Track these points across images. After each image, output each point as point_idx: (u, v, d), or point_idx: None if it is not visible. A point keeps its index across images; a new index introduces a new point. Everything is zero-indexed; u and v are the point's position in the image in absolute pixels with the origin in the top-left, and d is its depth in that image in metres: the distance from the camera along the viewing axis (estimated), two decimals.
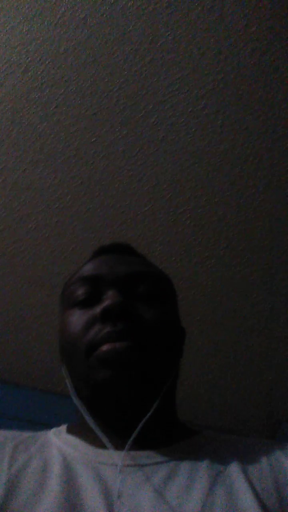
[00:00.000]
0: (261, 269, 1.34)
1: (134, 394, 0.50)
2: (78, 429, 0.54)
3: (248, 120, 1.17)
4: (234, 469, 0.49)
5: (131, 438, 0.48)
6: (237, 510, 0.43)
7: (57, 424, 0.59)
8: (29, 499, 0.44)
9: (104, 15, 1.08)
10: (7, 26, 1.09)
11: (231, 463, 0.50)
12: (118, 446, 0.49)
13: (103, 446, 0.50)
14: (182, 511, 0.43)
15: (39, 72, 1.15)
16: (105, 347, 0.50)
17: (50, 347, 1.49)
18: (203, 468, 0.49)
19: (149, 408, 0.50)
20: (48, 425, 0.59)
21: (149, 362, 0.51)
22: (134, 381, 0.50)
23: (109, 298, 0.52)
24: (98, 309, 0.52)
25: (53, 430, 0.57)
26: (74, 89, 1.16)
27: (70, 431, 0.55)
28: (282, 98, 1.14)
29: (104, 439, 0.49)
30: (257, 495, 0.45)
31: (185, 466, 0.49)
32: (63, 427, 0.57)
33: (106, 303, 0.52)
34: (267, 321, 1.41)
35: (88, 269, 0.59)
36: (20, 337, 1.52)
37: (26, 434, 0.55)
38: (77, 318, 0.54)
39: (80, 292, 0.56)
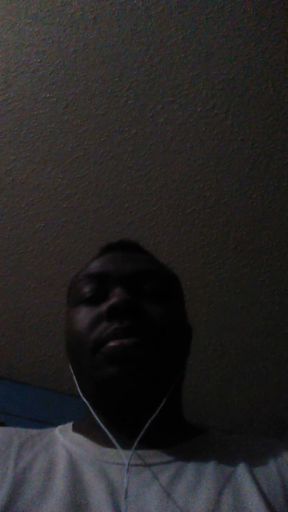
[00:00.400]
0: (269, 270, 1.33)
1: (141, 391, 0.50)
2: (84, 427, 0.54)
3: (257, 120, 1.16)
4: (241, 469, 0.49)
5: (138, 437, 0.48)
6: (244, 510, 0.43)
7: (62, 422, 0.59)
8: (35, 498, 0.44)
9: (114, 16, 1.08)
10: (16, 27, 1.10)
11: (238, 463, 0.50)
12: (125, 445, 0.49)
13: (109, 445, 0.50)
14: (189, 511, 0.43)
15: (48, 73, 1.15)
16: (112, 343, 0.49)
17: (56, 345, 1.49)
18: (210, 468, 0.48)
19: (156, 407, 0.49)
20: (53, 424, 0.59)
21: (157, 359, 0.51)
22: (141, 377, 0.49)
23: (116, 296, 0.52)
24: (104, 307, 0.52)
25: (59, 427, 0.57)
26: (83, 89, 1.16)
27: (76, 429, 0.55)
28: None
29: (111, 438, 0.49)
30: (264, 495, 0.45)
31: (192, 466, 0.48)
32: (69, 425, 0.57)
33: (112, 300, 0.51)
34: (275, 322, 1.41)
35: (94, 266, 0.58)
36: (26, 336, 1.52)
37: (32, 432, 0.55)
38: (84, 316, 0.54)
39: (87, 289, 0.56)
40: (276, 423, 1.59)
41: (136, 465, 0.47)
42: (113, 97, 1.16)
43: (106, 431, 0.49)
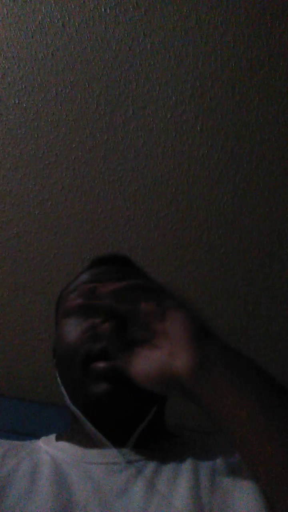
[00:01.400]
0: (242, 271, 1.36)
1: (131, 406, 0.52)
2: (67, 436, 0.56)
3: (226, 125, 1.19)
4: (216, 457, 0.51)
5: (129, 445, 0.50)
6: (221, 490, 0.46)
7: (41, 433, 0.60)
8: (20, 499, 0.45)
9: (82, 22, 1.08)
10: None
11: (213, 453, 0.52)
12: (111, 446, 0.51)
13: (91, 446, 0.52)
14: (173, 497, 0.45)
15: (17, 79, 1.15)
16: (101, 364, 0.51)
17: (36, 355, 1.47)
18: (188, 460, 0.51)
19: (143, 413, 0.52)
20: (34, 436, 0.60)
21: None
22: (130, 396, 0.51)
23: None
24: (95, 320, 0.53)
25: (42, 438, 0.58)
26: (53, 95, 1.16)
27: (59, 438, 0.57)
28: (272, 97, 1.16)
29: (101, 438, 0.50)
30: (236, 472, 0.48)
31: (171, 460, 0.51)
32: (52, 436, 0.58)
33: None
34: (248, 323, 1.43)
35: (85, 278, 0.59)
36: (6, 348, 1.49)
37: (14, 442, 0.57)
38: (74, 328, 0.55)
39: (78, 302, 0.56)
40: None
41: (119, 463, 0.50)
42: (84, 103, 1.17)
43: (95, 432, 0.51)
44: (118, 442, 0.51)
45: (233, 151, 1.21)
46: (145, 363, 0.45)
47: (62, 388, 0.56)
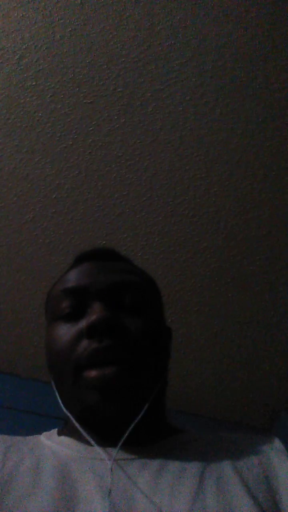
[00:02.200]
0: (260, 259, 1.34)
1: (122, 411, 0.51)
2: (68, 431, 0.55)
3: (247, 108, 1.15)
4: (223, 461, 0.50)
5: (119, 445, 0.49)
6: (227, 497, 0.45)
7: (53, 413, 0.59)
8: (23, 494, 0.44)
9: (101, 1, 1.05)
10: (1, 12, 1.07)
11: (220, 456, 0.51)
12: (109, 447, 0.50)
13: (93, 443, 0.51)
14: (175, 497, 0.44)
15: (34, 60, 1.13)
16: (93, 373, 0.50)
17: (43, 336, 1.48)
18: (193, 460, 0.50)
19: (137, 415, 0.51)
20: (44, 415, 0.60)
21: (137, 381, 0.52)
22: (122, 401, 0.51)
23: (94, 313, 0.52)
24: (83, 324, 0.52)
25: (44, 433, 0.58)
26: (70, 77, 1.14)
27: (61, 433, 0.57)
28: (283, 87, 1.12)
29: (95, 446, 0.50)
30: (245, 485, 0.47)
31: (174, 458, 0.50)
32: (54, 431, 0.58)
33: (91, 318, 0.51)
34: (266, 310, 1.41)
35: (70, 279, 0.58)
36: (16, 328, 1.51)
37: (17, 437, 0.56)
38: (63, 333, 0.54)
39: (64, 305, 0.56)
40: (267, 411, 1.60)
41: (121, 459, 0.49)
42: (101, 85, 1.15)
43: (89, 439, 0.50)
44: (111, 443, 0.50)
45: (254, 135, 1.18)
46: None
47: (57, 394, 0.55)
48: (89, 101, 1.17)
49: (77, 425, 0.51)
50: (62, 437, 0.55)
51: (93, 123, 1.19)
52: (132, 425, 0.49)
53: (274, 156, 1.20)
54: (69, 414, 0.53)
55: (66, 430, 0.57)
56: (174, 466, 0.49)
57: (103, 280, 0.56)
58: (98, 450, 0.50)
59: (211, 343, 1.48)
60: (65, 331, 0.54)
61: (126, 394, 0.51)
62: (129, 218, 1.31)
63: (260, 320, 1.43)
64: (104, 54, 1.11)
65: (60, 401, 0.55)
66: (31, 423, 1.40)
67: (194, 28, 1.07)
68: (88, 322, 0.51)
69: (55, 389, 0.56)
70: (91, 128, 1.20)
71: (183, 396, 1.56)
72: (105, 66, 1.12)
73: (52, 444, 0.54)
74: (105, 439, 0.51)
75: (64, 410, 0.54)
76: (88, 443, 0.51)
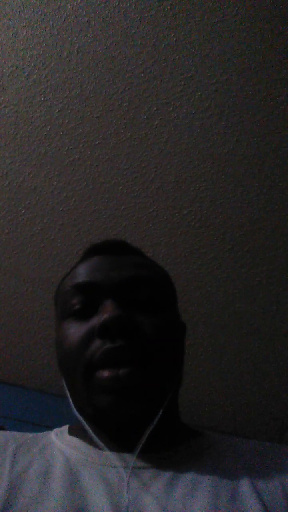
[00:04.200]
0: (266, 270, 1.34)
1: (137, 415, 0.49)
2: (80, 431, 0.53)
3: (252, 121, 1.16)
4: (238, 472, 0.48)
5: (136, 452, 0.47)
6: (241, 509, 0.43)
7: (58, 425, 0.58)
8: (31, 501, 0.43)
9: (107, 19, 1.08)
10: (10, 31, 1.10)
11: (236, 465, 0.49)
12: (123, 451, 0.49)
13: (104, 448, 0.49)
14: (189, 509, 0.43)
15: (43, 76, 1.15)
16: (106, 373, 0.48)
17: (52, 348, 1.49)
18: (207, 469, 0.48)
19: (152, 418, 0.49)
20: (52, 428, 0.58)
21: (152, 382, 0.50)
22: (137, 404, 0.48)
23: (106, 312, 0.49)
24: (95, 322, 0.50)
25: (55, 430, 0.56)
26: (78, 92, 1.17)
27: (72, 432, 0.55)
28: (286, 100, 1.13)
29: (107, 452, 0.48)
30: (261, 500, 0.44)
31: (188, 469, 0.48)
32: (65, 428, 0.56)
33: (103, 317, 0.49)
34: (272, 321, 1.41)
35: (81, 274, 0.55)
36: (24, 339, 1.52)
37: (27, 435, 0.54)
38: (74, 332, 0.52)
39: (75, 301, 0.53)
40: (276, 423, 1.58)
41: (134, 467, 0.47)
42: (108, 100, 1.17)
43: (104, 447, 0.48)
44: (125, 448, 0.49)
45: (259, 147, 1.19)
46: None
47: (68, 394, 0.53)
48: (95, 116, 1.19)
49: (89, 431, 0.49)
50: (73, 438, 0.53)
51: (100, 136, 1.21)
52: (148, 431, 0.47)
53: (279, 167, 1.21)
54: (80, 418, 0.51)
55: (78, 429, 0.54)
56: (187, 477, 0.47)
57: (115, 275, 0.53)
58: (111, 457, 0.48)
59: (218, 355, 1.48)
60: (76, 329, 0.52)
61: (141, 396, 0.48)
62: (135, 230, 1.32)
63: (267, 331, 1.42)
64: (110, 70, 1.13)
65: (71, 403, 0.53)
66: None
67: (198, 44, 1.09)
68: (100, 322, 0.49)
69: (66, 389, 0.54)
70: (98, 142, 1.22)
71: (189, 410, 1.55)
72: (111, 82, 1.15)
73: (63, 445, 0.52)
74: (118, 443, 0.49)
75: (76, 413, 0.52)
76: (98, 445, 0.49)
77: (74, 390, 0.52)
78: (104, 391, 0.48)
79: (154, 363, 0.50)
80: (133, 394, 0.48)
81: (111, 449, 0.49)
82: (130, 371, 0.48)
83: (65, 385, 0.54)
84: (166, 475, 0.47)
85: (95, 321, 0.50)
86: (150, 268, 0.57)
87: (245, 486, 0.46)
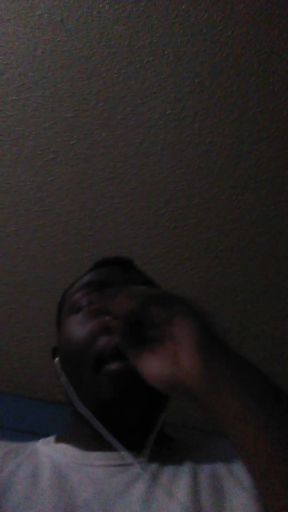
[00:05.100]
0: (241, 269, 1.36)
1: (141, 411, 0.51)
2: (66, 438, 0.55)
3: (225, 122, 1.18)
4: (215, 463, 0.51)
5: (148, 450, 0.50)
6: (221, 492, 0.46)
7: (49, 432, 0.59)
8: (21, 502, 0.44)
9: (81, 18, 1.08)
10: None
11: (212, 458, 0.52)
12: (113, 448, 0.50)
13: (92, 449, 0.51)
14: (173, 496, 0.45)
15: (16, 75, 1.14)
16: (114, 366, 0.50)
17: (39, 354, 1.47)
18: (188, 462, 0.51)
19: (152, 417, 0.51)
20: (39, 434, 0.60)
21: None
22: (143, 399, 0.51)
23: None
24: (106, 317, 0.52)
25: (41, 440, 0.57)
26: (52, 92, 1.16)
27: (58, 440, 0.56)
28: (260, 101, 1.16)
29: (113, 441, 0.50)
30: (237, 478, 0.48)
31: (170, 463, 0.51)
32: (51, 438, 0.58)
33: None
34: (248, 320, 1.43)
35: (91, 276, 0.59)
36: (11, 346, 1.49)
37: (14, 444, 0.56)
38: (83, 325, 0.53)
39: (86, 299, 0.56)
40: None
41: (118, 465, 0.49)
42: (82, 100, 1.17)
43: (109, 434, 0.50)
44: (130, 444, 0.50)
45: (232, 149, 1.21)
46: (154, 364, 0.43)
47: (70, 389, 0.54)
48: (70, 116, 1.18)
49: (93, 419, 0.51)
50: (59, 445, 0.55)
51: (75, 137, 1.21)
52: (158, 427, 0.50)
53: (253, 168, 1.23)
54: (85, 410, 0.52)
55: (64, 437, 0.56)
56: (169, 469, 0.49)
57: (122, 277, 0.57)
58: (98, 456, 0.50)
59: None
60: (85, 323, 0.53)
61: (148, 390, 0.49)
62: (111, 230, 1.32)
63: (241, 331, 1.44)
64: (85, 69, 1.13)
65: (74, 397, 0.54)
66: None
67: (172, 45, 1.11)
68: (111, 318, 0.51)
69: (68, 384, 0.54)
70: (72, 142, 1.21)
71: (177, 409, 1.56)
72: (86, 82, 1.15)
73: (49, 451, 0.53)
74: (119, 438, 0.51)
75: (81, 408, 0.53)
76: (85, 448, 0.51)
77: (79, 382, 0.53)
78: (112, 383, 0.50)
79: None
80: (140, 386, 0.49)
81: (103, 441, 0.50)
82: None
83: (66, 381, 0.55)
84: (151, 469, 0.49)
85: (105, 317, 0.52)
86: (152, 280, 0.62)
87: (221, 469, 0.50)
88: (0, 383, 1.54)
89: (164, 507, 0.44)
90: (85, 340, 0.52)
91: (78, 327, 0.54)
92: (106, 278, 0.57)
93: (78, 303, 0.56)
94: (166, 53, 1.11)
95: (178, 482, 0.47)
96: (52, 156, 1.23)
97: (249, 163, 1.22)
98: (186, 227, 1.31)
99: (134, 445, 0.50)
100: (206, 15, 1.07)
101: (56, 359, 0.59)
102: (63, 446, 0.54)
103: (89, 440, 0.52)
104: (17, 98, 1.16)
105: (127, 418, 0.51)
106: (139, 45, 1.11)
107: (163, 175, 1.24)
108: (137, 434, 0.51)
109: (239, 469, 0.49)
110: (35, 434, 0.60)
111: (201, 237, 1.32)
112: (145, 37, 1.10)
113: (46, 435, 0.59)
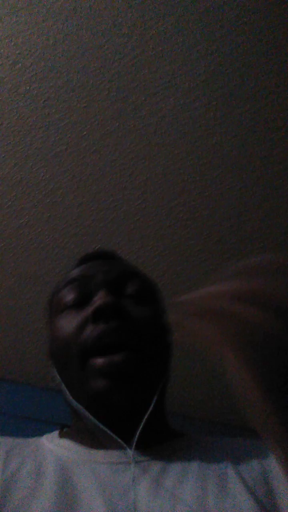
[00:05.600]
0: None
1: (131, 401, 0.51)
2: (70, 433, 0.55)
3: (239, 112, 1.16)
4: (224, 463, 0.51)
5: (134, 439, 0.49)
6: (229, 497, 0.45)
7: (54, 419, 0.59)
8: (25, 498, 0.44)
9: (94, 6, 1.06)
10: None
11: (220, 458, 0.52)
12: (116, 446, 0.50)
13: (96, 446, 0.51)
14: (179, 498, 0.44)
15: (28, 65, 1.13)
16: (100, 360, 0.50)
17: (45, 343, 1.48)
18: (194, 462, 0.50)
19: (145, 410, 0.51)
20: (44, 421, 0.59)
21: (146, 368, 0.52)
22: (131, 390, 0.51)
23: (100, 298, 0.53)
24: (89, 309, 0.53)
25: (45, 436, 0.58)
26: (64, 82, 1.15)
27: (62, 435, 0.56)
28: (274, 90, 1.13)
29: (106, 432, 0.49)
30: (246, 485, 0.47)
31: (176, 461, 0.50)
32: (55, 433, 0.58)
33: (97, 302, 0.52)
34: None
35: (76, 272, 0.59)
36: (11, 333, 1.51)
37: (18, 440, 0.56)
38: (69, 321, 0.54)
39: (70, 295, 0.57)
40: None
41: (124, 463, 0.49)
42: (95, 90, 1.15)
43: (103, 429, 0.50)
44: (122, 436, 0.50)
45: (246, 140, 1.19)
46: None
47: (63, 386, 0.55)
48: (83, 106, 1.17)
49: (87, 414, 0.51)
50: (63, 440, 0.55)
51: (87, 127, 1.19)
52: (146, 416, 0.49)
53: (268, 159, 1.21)
54: (78, 406, 0.52)
55: (67, 432, 0.56)
56: (176, 468, 0.49)
57: (107, 271, 0.57)
58: (101, 454, 0.50)
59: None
60: (71, 319, 0.54)
61: (135, 381, 0.51)
62: (123, 222, 1.31)
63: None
64: (97, 59, 1.12)
65: (67, 393, 0.54)
66: (31, 429, 1.39)
67: (186, 33, 1.08)
68: (94, 306, 0.52)
69: (60, 381, 0.55)
70: (84, 133, 1.20)
71: (184, 400, 1.56)
72: (99, 71, 1.13)
73: (54, 447, 0.54)
74: (114, 430, 0.51)
75: (72, 402, 0.53)
76: (89, 445, 0.52)
77: (69, 379, 0.54)
78: (100, 376, 0.50)
79: (146, 349, 0.52)
80: (128, 378, 0.50)
81: (104, 438, 0.50)
82: (125, 357, 0.50)
83: (58, 376, 0.56)
84: (156, 467, 0.49)
85: (90, 309, 0.53)
86: (136, 269, 0.62)
87: (230, 472, 0.49)
88: (3, 370, 1.56)
89: (169, 506, 0.44)
90: (71, 333, 0.53)
91: (65, 323, 0.55)
92: (88, 272, 0.58)
93: (63, 301, 0.57)
94: (180, 41, 1.09)
95: (185, 482, 0.47)
96: (63, 147, 1.22)
97: (263, 154, 1.20)
98: (199, 219, 1.29)
99: (129, 437, 0.50)
100: (222, 1, 1.04)
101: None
102: (67, 442, 0.54)
103: (93, 437, 0.52)
104: (29, 88, 1.15)
105: (118, 409, 0.51)
106: (152, 33, 1.09)
107: (175, 166, 1.23)
108: (130, 424, 0.50)
109: (246, 471, 0.49)
110: (40, 421, 0.60)
111: (214, 229, 1.30)
112: (158, 25, 1.08)
113: (50, 422, 0.58)
